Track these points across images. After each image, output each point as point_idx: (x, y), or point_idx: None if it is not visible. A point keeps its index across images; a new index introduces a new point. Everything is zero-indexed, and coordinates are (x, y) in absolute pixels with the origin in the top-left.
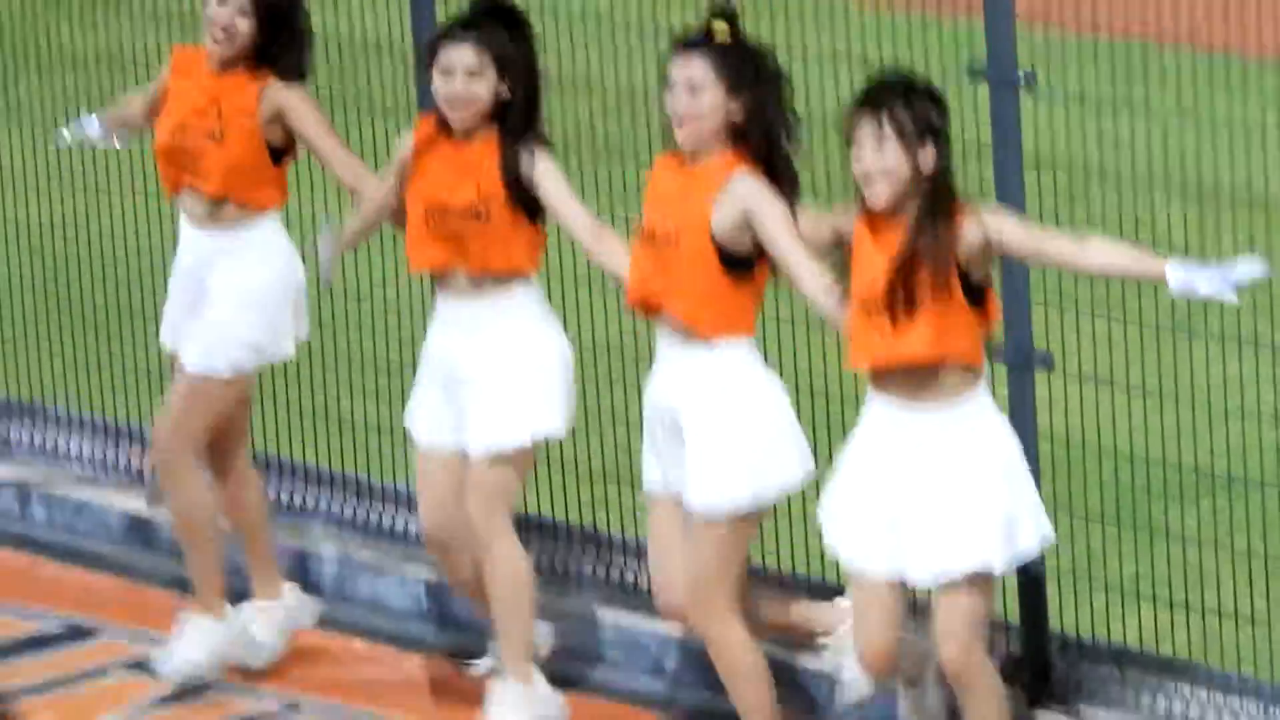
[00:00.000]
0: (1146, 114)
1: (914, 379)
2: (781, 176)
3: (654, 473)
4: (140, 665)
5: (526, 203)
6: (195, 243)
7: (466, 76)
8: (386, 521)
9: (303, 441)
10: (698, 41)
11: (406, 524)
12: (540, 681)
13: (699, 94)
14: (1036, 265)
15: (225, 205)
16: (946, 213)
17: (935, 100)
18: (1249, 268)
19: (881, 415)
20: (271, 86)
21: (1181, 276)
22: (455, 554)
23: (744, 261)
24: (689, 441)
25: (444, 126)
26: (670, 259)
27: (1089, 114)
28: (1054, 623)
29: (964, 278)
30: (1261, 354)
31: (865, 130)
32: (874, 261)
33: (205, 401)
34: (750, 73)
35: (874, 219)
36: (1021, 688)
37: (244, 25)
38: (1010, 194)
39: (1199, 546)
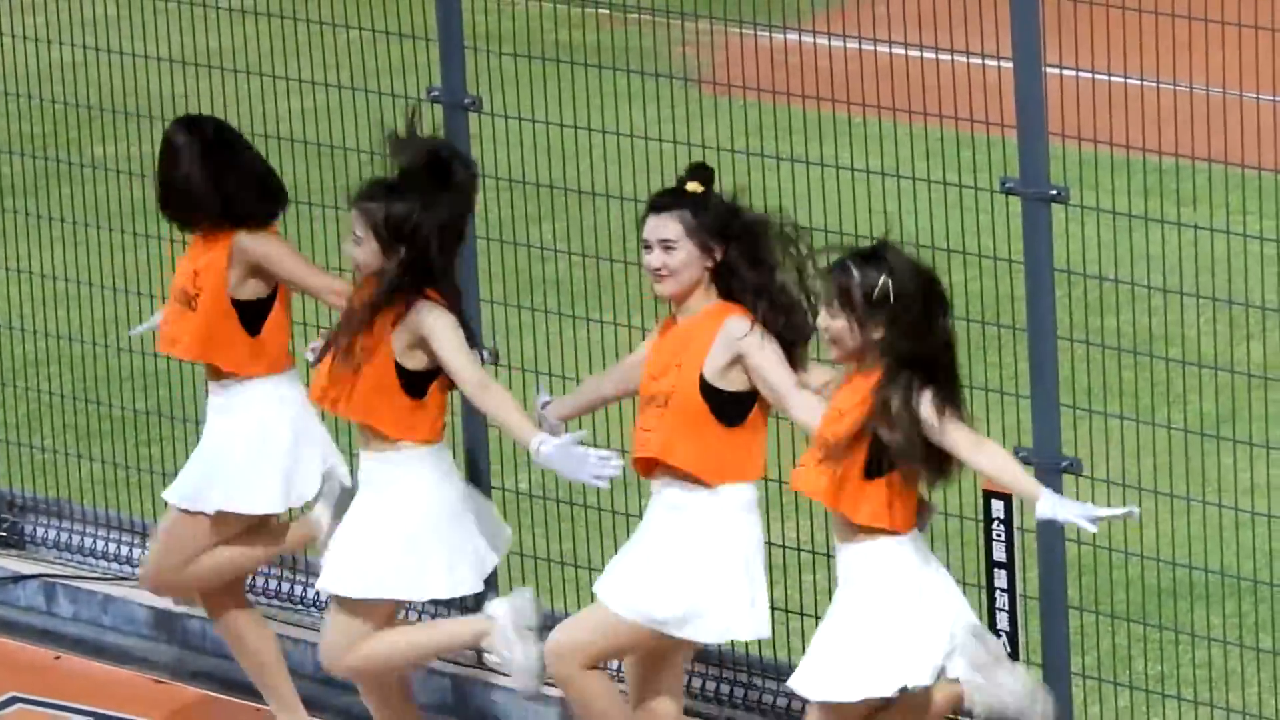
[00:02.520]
0: (1178, 230)
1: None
2: (769, 325)
3: None
4: None
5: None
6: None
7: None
8: None
9: None
10: (669, 202)
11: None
12: None
13: (672, 251)
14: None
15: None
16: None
17: (906, 275)
18: (1114, 511)
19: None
20: (238, 239)
21: (1050, 505)
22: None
23: (737, 407)
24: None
25: None
26: (664, 413)
27: (1120, 228)
28: None
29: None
30: None
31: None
32: (836, 400)
33: (193, 538)
34: (721, 226)
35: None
36: None
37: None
38: (1041, 306)
39: (1224, 647)
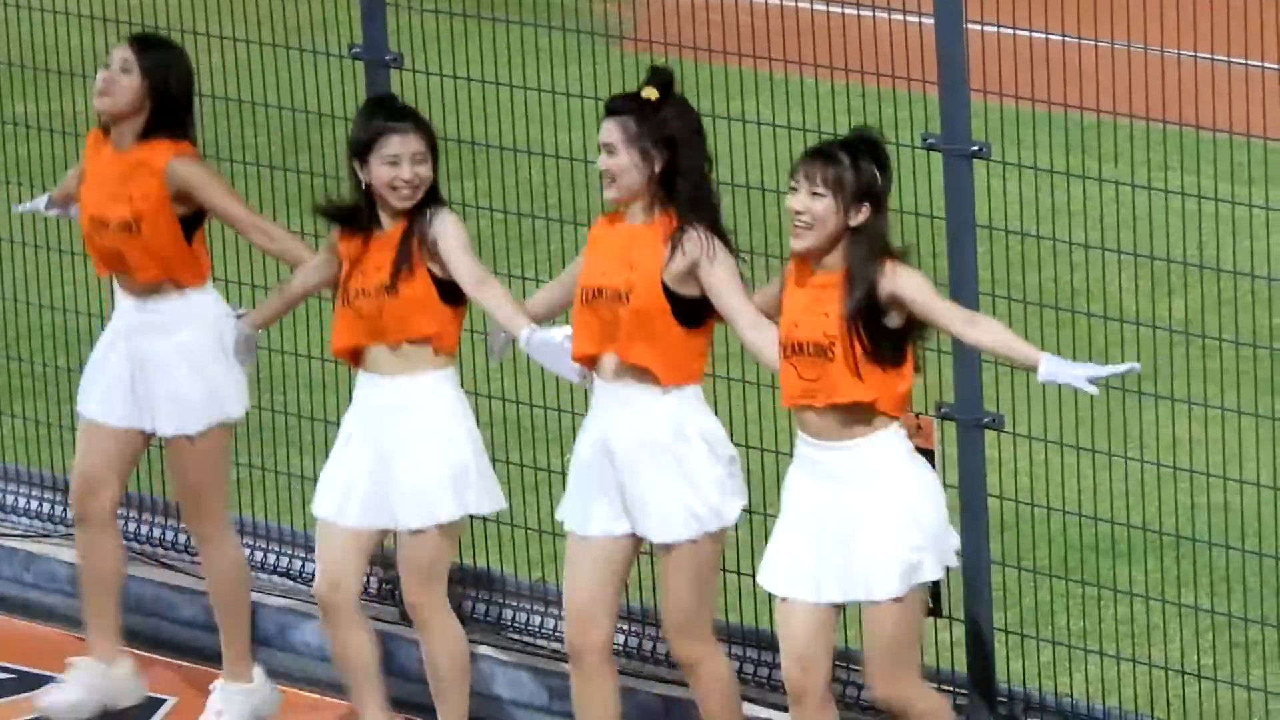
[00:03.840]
0: (1099, 185)
1: (832, 419)
2: (716, 232)
3: (589, 513)
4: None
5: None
6: (130, 314)
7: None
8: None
9: (253, 497)
10: (621, 106)
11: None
12: None
13: (615, 154)
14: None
15: (161, 285)
16: (873, 265)
17: (882, 166)
18: (1115, 369)
19: (803, 454)
20: (173, 164)
21: (1052, 368)
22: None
23: (694, 311)
24: (645, 479)
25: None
26: (623, 312)
27: (1041, 184)
28: (1001, 676)
29: (884, 327)
30: (1211, 415)
31: (804, 176)
32: (793, 303)
33: (200, 459)
34: (668, 133)
35: (798, 264)
36: None
37: (126, 82)
38: (963, 262)
39: (1146, 603)
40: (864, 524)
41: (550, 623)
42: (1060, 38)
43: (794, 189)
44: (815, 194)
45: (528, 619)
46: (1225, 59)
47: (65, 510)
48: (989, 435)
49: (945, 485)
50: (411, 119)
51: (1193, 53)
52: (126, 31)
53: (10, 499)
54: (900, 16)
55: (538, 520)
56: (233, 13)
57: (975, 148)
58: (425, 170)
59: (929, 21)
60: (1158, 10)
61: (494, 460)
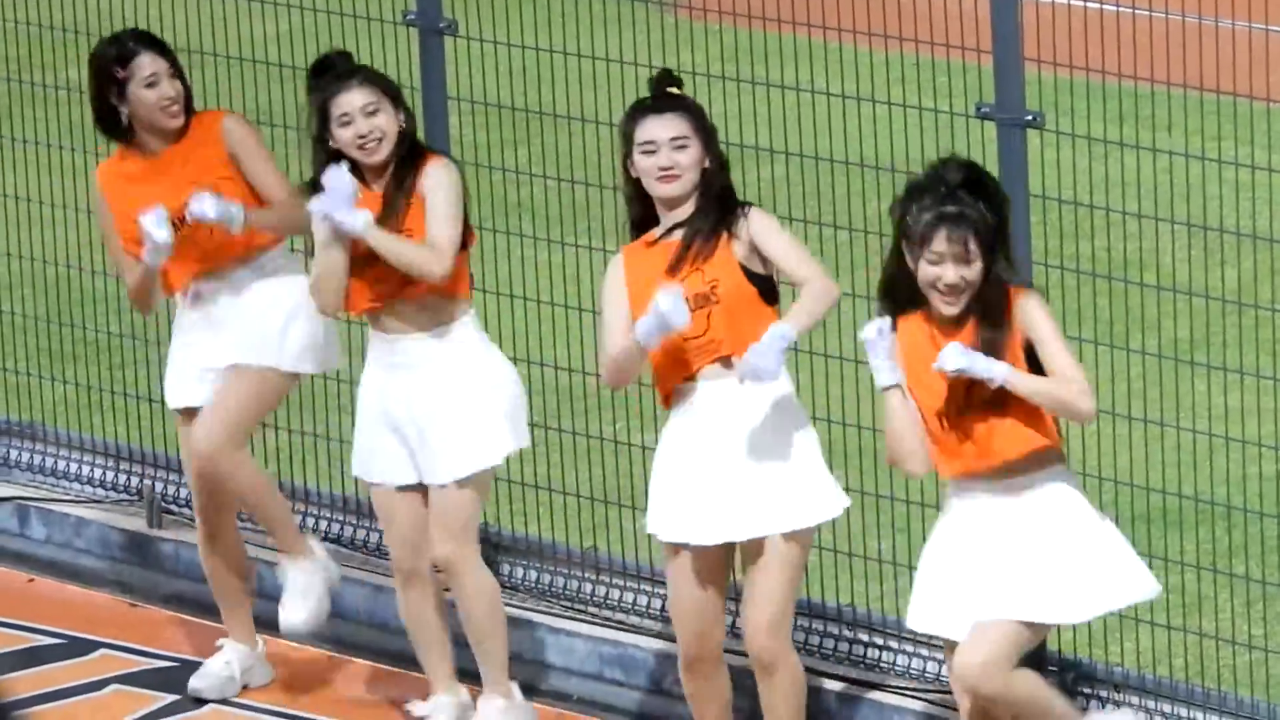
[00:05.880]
0: (1153, 156)
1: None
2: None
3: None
4: (133, 679)
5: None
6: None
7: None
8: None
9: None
10: (660, 104)
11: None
12: (517, 694)
13: (686, 148)
14: None
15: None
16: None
17: (1000, 201)
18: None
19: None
20: (223, 129)
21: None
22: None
23: (770, 286)
24: (755, 469)
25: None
26: (717, 313)
27: (1095, 154)
28: (1053, 645)
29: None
30: (1263, 386)
31: (945, 239)
32: (920, 364)
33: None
34: (710, 126)
35: (941, 325)
36: None
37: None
38: (1016, 231)
39: (1198, 573)
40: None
41: (602, 590)
42: (1115, 8)
43: (934, 261)
44: (966, 261)
45: (579, 587)
46: (1278, 29)
47: (116, 476)
48: None
49: None
50: (355, 74)
51: (1247, 23)
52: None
53: (62, 465)
54: None
55: (590, 489)
56: None
57: (1030, 117)
58: (381, 120)
59: None
60: None
61: (546, 428)
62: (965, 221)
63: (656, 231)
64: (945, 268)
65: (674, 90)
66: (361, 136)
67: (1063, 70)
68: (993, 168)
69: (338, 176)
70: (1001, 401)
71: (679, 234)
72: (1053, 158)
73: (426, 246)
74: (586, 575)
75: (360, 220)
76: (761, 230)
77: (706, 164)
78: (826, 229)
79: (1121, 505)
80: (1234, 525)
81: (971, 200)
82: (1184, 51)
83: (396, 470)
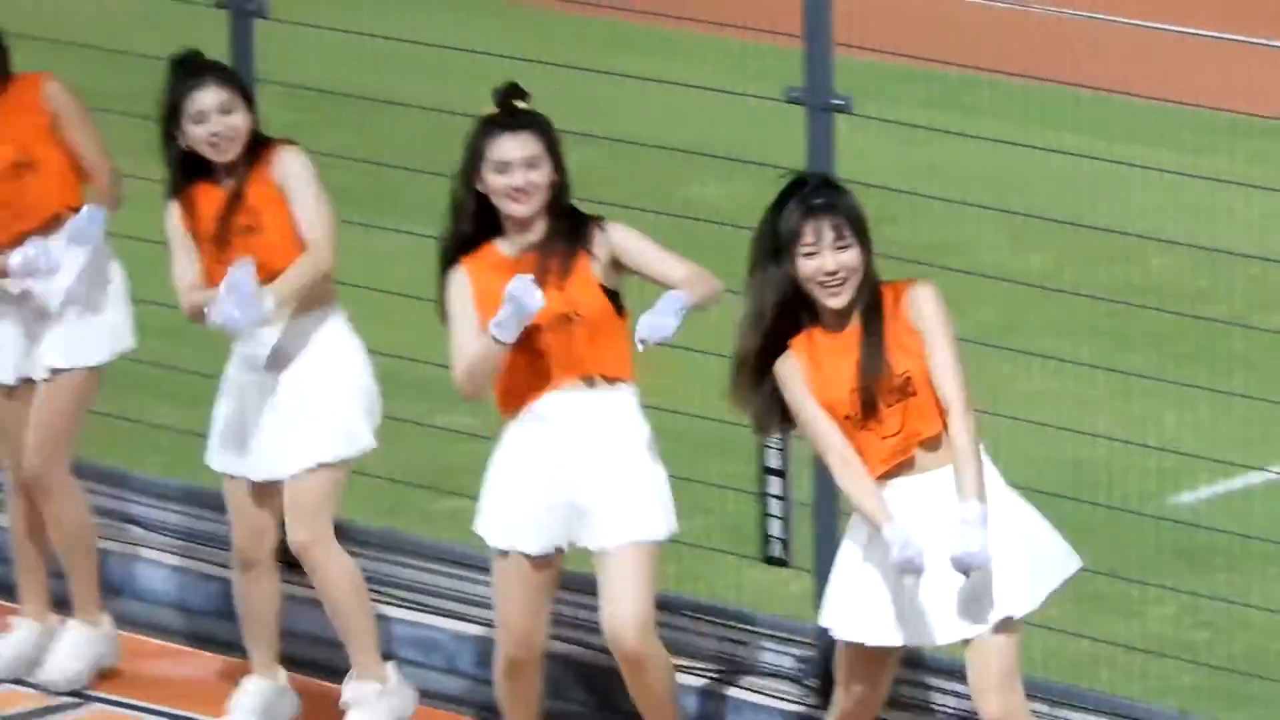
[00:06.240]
0: (962, 140)
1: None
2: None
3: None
4: None
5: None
6: None
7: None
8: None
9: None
10: (515, 121)
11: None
12: (394, 676)
13: (539, 167)
14: None
15: None
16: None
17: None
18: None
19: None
20: (47, 92)
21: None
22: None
23: (619, 299)
24: (614, 477)
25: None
26: (579, 331)
27: (904, 139)
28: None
29: None
30: (1065, 369)
31: (814, 233)
32: (839, 370)
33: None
34: (557, 140)
35: (833, 323)
36: None
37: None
38: None
39: None
40: None
41: (405, 571)
42: None
43: (810, 253)
44: (841, 247)
45: (376, 568)
46: (1089, 15)
47: None
48: None
49: (796, 437)
50: (210, 72)
51: (1056, 9)
52: None
53: None
54: None
55: (389, 469)
56: None
57: (838, 102)
58: (234, 119)
59: None
60: None
61: None
62: (833, 209)
63: (504, 250)
64: (823, 256)
65: (521, 104)
66: (215, 135)
67: (875, 55)
68: (801, 153)
69: (245, 279)
70: (905, 386)
71: (527, 252)
72: (863, 143)
73: (304, 255)
74: (384, 557)
75: (266, 311)
76: (627, 244)
77: (554, 180)
78: (635, 213)
79: None
80: (1039, 507)
81: (835, 193)
82: (994, 37)
83: (252, 465)
